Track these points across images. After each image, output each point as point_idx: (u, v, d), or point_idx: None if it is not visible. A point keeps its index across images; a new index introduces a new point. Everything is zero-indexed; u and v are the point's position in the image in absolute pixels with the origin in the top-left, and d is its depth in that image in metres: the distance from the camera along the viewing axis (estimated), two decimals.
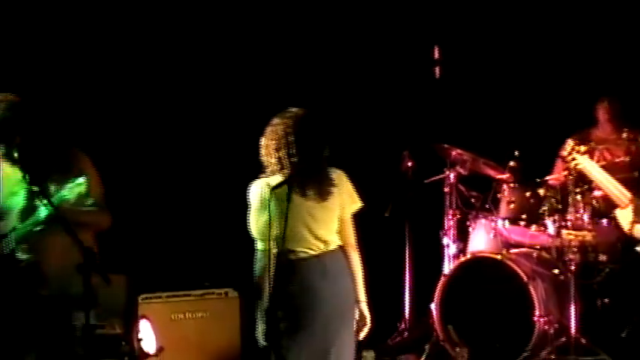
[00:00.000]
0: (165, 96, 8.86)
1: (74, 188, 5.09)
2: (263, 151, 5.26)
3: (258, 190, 5.25)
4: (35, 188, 5.12)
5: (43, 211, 5.10)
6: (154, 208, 8.65)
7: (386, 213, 7.80)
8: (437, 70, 8.10)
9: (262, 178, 5.26)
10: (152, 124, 8.83)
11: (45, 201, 5.08)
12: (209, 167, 8.75)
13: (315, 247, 5.26)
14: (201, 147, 8.84)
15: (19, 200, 5.30)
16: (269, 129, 5.23)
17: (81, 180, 5.11)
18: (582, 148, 6.55)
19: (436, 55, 8.13)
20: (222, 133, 8.83)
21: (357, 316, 5.40)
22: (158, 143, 8.89)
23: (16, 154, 5.27)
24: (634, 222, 5.92)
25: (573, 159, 6.52)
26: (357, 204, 5.42)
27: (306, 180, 5.20)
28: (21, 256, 5.24)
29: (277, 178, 5.19)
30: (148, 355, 7.34)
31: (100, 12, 8.52)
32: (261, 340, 5.26)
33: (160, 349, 7.39)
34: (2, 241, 5.25)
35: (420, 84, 8.26)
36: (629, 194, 6.03)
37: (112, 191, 8.45)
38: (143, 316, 7.49)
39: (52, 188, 5.20)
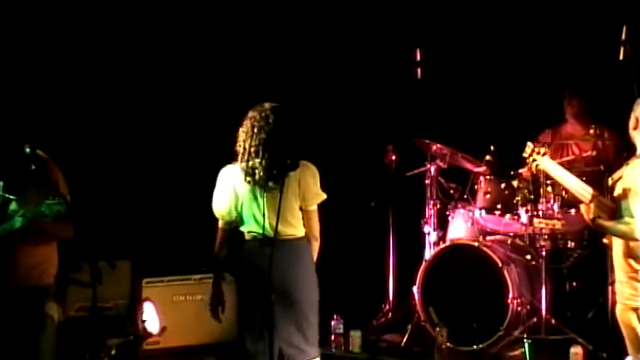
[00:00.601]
0: (162, 91, 8.80)
1: (54, 206, 5.04)
2: (238, 140, 5.40)
3: (222, 175, 5.42)
4: (12, 197, 5.13)
5: (17, 221, 5.09)
6: (157, 199, 8.61)
7: (371, 203, 7.85)
8: (418, 71, 8.02)
9: (230, 165, 5.41)
10: (154, 117, 8.78)
11: (21, 211, 5.06)
12: (202, 162, 8.31)
13: (265, 232, 5.31)
14: (196, 143, 8.79)
15: None
16: (244, 121, 5.37)
17: (61, 200, 5.06)
18: (542, 150, 6.38)
19: (417, 57, 8.05)
20: (217, 125, 8.43)
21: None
22: (158, 137, 8.83)
23: None
24: (597, 217, 5.67)
25: (534, 160, 6.36)
26: (318, 197, 5.47)
27: (266, 171, 5.27)
28: None
29: (242, 166, 5.33)
30: (151, 334, 7.59)
31: (87, 12, 8.39)
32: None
33: (162, 329, 7.61)
34: None
35: (402, 84, 8.19)
36: (591, 190, 5.87)
37: (118, 184, 8.35)
38: (147, 299, 7.67)
39: (29, 199, 5.14)
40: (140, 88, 8.76)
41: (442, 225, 7.98)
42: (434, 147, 7.80)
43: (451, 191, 8.01)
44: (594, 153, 7.56)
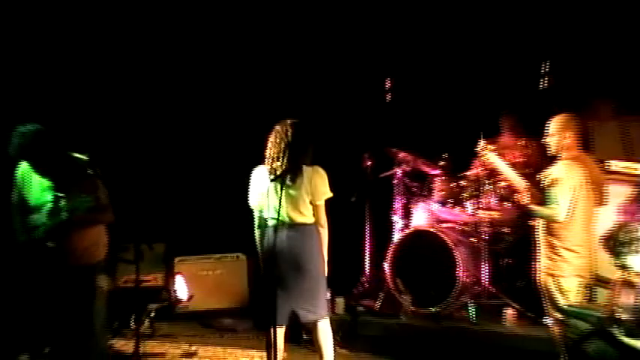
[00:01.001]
0: (183, 98, 8.82)
1: (84, 203, 5.28)
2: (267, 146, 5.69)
3: (254, 174, 5.74)
4: (61, 194, 5.37)
5: (63, 215, 5.34)
6: (186, 195, 8.66)
7: (352, 198, 7.89)
8: (388, 96, 8.13)
9: (261, 166, 5.70)
10: (184, 118, 8.79)
11: (65, 206, 5.33)
12: (224, 162, 8.60)
13: (281, 219, 5.56)
14: (222, 144, 8.81)
15: (47, 202, 5.42)
16: (272, 131, 5.66)
17: (89, 198, 5.30)
18: (491, 147, 6.52)
19: (387, 84, 8.16)
20: (241, 128, 8.62)
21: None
22: (186, 141, 8.76)
23: (44, 168, 5.41)
24: (530, 202, 5.85)
25: (484, 154, 6.53)
26: (324, 194, 5.70)
27: (285, 172, 5.55)
28: (49, 243, 5.42)
29: (267, 167, 5.65)
30: (181, 300, 8.00)
31: (97, 15, 8.30)
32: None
33: (190, 297, 7.97)
34: (35, 231, 5.44)
35: (377, 105, 8.26)
36: (524, 182, 6.12)
37: (155, 182, 8.14)
38: (178, 273, 8.06)
39: (69, 197, 5.37)
40: (168, 96, 8.73)
41: (407, 215, 8.06)
42: (400, 154, 7.95)
43: (414, 189, 8.14)
44: (524, 159, 7.58)
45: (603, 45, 7.89)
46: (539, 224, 5.93)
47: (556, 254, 5.79)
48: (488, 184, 7.62)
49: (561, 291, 5.76)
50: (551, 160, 6.04)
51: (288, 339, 5.83)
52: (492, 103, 8.33)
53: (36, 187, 5.51)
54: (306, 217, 5.67)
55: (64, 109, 7.58)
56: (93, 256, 5.57)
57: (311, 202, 5.67)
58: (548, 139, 5.97)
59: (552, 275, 5.79)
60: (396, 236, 7.94)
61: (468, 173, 7.83)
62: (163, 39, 8.61)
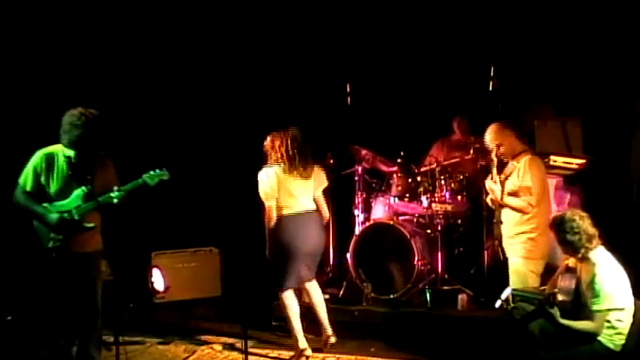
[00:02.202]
0: (170, 106, 8.85)
1: (119, 196, 5.53)
2: (269, 147, 6.43)
3: (266, 173, 6.39)
4: (87, 188, 5.50)
5: (93, 203, 5.51)
6: (166, 193, 7.97)
7: None
8: (348, 98, 8.17)
9: (268, 167, 6.40)
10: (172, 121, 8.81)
11: (97, 196, 5.50)
12: (200, 162, 8.86)
13: (297, 208, 6.45)
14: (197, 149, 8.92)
15: (75, 188, 5.51)
16: (275, 135, 6.46)
17: (121, 192, 5.54)
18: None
19: (348, 89, 8.20)
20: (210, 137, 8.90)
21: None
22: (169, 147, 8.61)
23: (91, 153, 5.50)
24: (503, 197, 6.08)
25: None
26: (324, 185, 6.68)
27: (296, 168, 6.39)
28: (87, 224, 5.57)
29: (277, 167, 6.36)
30: (158, 292, 8.06)
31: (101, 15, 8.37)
32: (268, 256, 6.56)
33: (166, 288, 8.07)
34: (70, 212, 5.50)
35: (338, 108, 8.26)
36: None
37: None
38: (155, 266, 8.11)
39: (96, 186, 5.52)
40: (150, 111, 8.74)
41: (367, 209, 8.13)
42: (361, 153, 8.03)
43: (373, 185, 8.23)
44: (472, 156, 7.79)
45: (544, 53, 8.18)
46: (508, 214, 6.14)
47: (532, 240, 6.05)
48: (442, 179, 7.82)
49: (534, 273, 6.04)
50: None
51: (259, 326, 6.60)
52: (444, 105, 8.57)
53: (59, 173, 5.56)
54: (314, 205, 6.60)
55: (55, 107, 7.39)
56: (97, 242, 5.72)
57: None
58: (498, 148, 6.21)
59: (528, 258, 6.06)
60: (358, 229, 7.98)
61: (422, 170, 7.98)
62: (142, 46, 8.70)
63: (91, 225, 5.61)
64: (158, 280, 8.02)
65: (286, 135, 6.46)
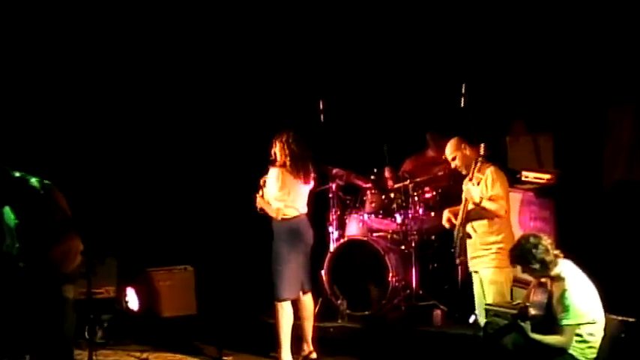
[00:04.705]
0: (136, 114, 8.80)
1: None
2: (278, 147, 6.40)
3: (277, 175, 6.38)
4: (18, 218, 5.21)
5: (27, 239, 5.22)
6: (138, 209, 8.65)
7: None
8: (322, 116, 8.15)
9: (276, 168, 6.37)
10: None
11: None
12: (172, 179, 8.88)
13: (302, 211, 6.47)
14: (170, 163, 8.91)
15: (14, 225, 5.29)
16: (281, 135, 6.43)
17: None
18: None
19: (321, 106, 8.19)
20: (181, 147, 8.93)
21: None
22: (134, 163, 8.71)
23: None
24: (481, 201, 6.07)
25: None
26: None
27: (300, 170, 6.38)
28: (21, 263, 5.27)
29: (284, 168, 6.35)
30: (133, 311, 7.99)
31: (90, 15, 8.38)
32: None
33: (141, 307, 7.97)
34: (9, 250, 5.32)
35: (312, 125, 8.08)
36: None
37: (106, 199, 8.17)
38: (130, 284, 8.03)
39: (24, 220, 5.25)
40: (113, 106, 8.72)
41: (341, 226, 8.17)
42: (334, 170, 8.04)
43: (347, 201, 8.28)
44: (446, 172, 7.67)
45: (516, 68, 8.30)
46: (477, 226, 6.18)
47: (501, 249, 6.03)
48: (415, 195, 7.90)
49: (507, 282, 6.13)
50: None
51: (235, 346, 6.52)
52: (418, 121, 8.62)
53: (7, 212, 5.40)
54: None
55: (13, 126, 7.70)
56: (60, 267, 5.39)
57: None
58: (452, 161, 6.33)
59: (501, 268, 6.08)
60: (332, 246, 8.03)
61: (396, 186, 8.02)
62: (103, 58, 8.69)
63: (22, 265, 5.35)
64: (132, 299, 7.99)
65: (293, 137, 6.45)
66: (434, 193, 8.01)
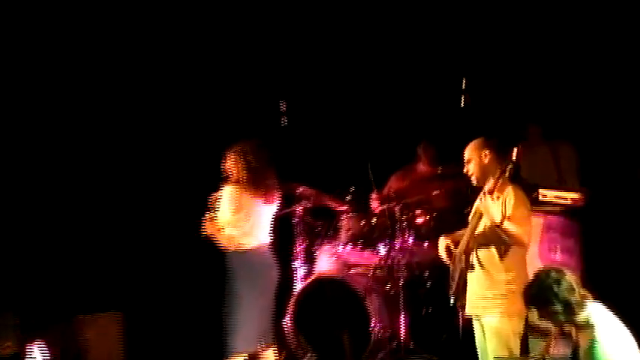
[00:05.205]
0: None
1: None
2: (231, 162, 6.24)
3: (232, 194, 6.16)
4: None
5: None
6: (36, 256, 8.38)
7: None
8: (284, 119, 8.13)
9: (231, 186, 6.19)
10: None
11: None
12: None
13: (264, 240, 6.29)
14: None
15: None
16: (238, 147, 6.25)
17: None
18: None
19: (283, 107, 8.18)
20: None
21: None
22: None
23: None
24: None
25: None
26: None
27: (260, 189, 6.20)
28: None
29: (241, 186, 6.19)
30: None
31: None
32: None
33: None
34: None
35: (271, 130, 8.11)
36: None
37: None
38: (37, 338, 7.54)
39: None
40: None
41: (310, 260, 7.78)
42: (300, 189, 7.59)
43: (317, 229, 7.81)
44: (442, 191, 7.54)
45: (528, 64, 8.01)
46: (485, 259, 5.67)
47: (512, 292, 5.54)
48: (403, 220, 7.42)
49: (516, 334, 5.65)
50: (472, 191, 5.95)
51: None
52: (405, 128, 8.32)
53: None
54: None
55: None
56: None
57: None
58: (467, 164, 5.84)
59: (510, 315, 5.60)
60: (298, 285, 7.63)
61: (380, 208, 7.62)
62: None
63: None
64: (40, 356, 7.56)
65: (251, 147, 6.29)
66: (427, 217, 7.52)
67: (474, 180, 5.77)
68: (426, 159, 7.95)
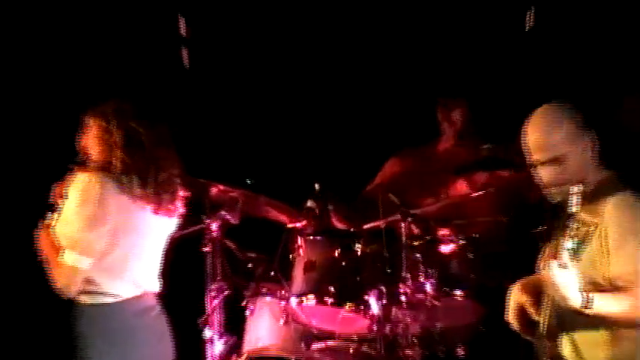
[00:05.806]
0: None
1: None
2: (94, 136, 4.96)
3: (89, 189, 5.00)
4: None
5: None
6: None
7: None
8: (185, 53, 6.00)
9: (91, 175, 5.33)
10: None
11: None
12: None
13: (141, 284, 4.75)
14: None
15: None
16: (101, 112, 5.36)
17: None
18: None
19: (182, 27, 6.04)
20: None
21: None
22: None
23: None
24: None
25: None
26: None
27: (147, 184, 4.72)
28: None
29: (108, 177, 5.35)
30: None
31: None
32: None
33: None
34: None
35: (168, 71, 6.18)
36: None
37: None
38: None
39: None
40: None
41: (235, 325, 5.24)
42: (214, 188, 5.11)
43: (250, 265, 5.31)
44: (494, 184, 5.32)
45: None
46: (581, 330, 4.12)
47: None
48: (416, 248, 5.05)
49: None
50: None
51: None
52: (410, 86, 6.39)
53: None
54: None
55: None
56: None
57: None
58: (553, 168, 4.17)
59: None
60: None
61: (369, 225, 5.23)
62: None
63: None
64: None
65: (132, 110, 4.48)
66: (463, 240, 5.17)
67: (560, 190, 4.00)
68: (451, 128, 5.74)
